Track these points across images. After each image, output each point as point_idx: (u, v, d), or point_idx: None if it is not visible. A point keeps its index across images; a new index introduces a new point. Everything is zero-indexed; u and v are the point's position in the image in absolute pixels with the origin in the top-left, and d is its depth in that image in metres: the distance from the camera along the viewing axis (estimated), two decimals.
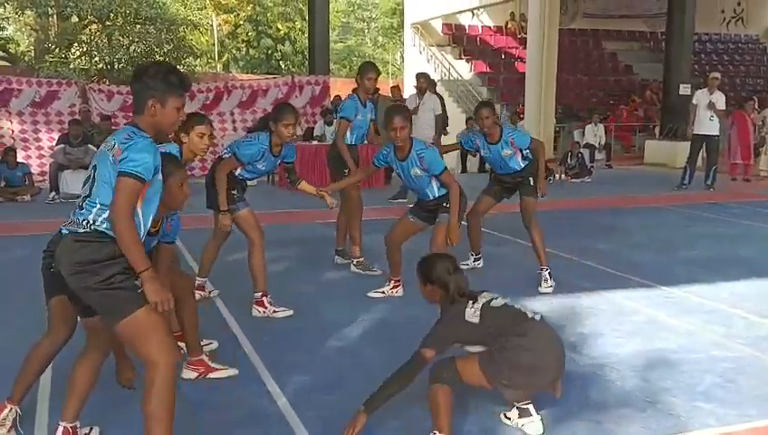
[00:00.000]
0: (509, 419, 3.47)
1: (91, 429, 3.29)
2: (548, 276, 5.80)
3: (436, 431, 3.13)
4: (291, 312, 5.17)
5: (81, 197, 2.87)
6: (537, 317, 3.25)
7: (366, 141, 7.03)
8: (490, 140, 5.96)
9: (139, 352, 2.81)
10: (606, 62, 25.25)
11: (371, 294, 5.66)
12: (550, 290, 5.73)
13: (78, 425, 3.18)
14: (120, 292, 2.74)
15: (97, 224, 2.77)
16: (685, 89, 16.57)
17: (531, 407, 3.39)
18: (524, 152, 6.01)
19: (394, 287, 5.68)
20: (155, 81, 2.88)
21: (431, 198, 5.30)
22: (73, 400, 3.13)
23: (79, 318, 3.19)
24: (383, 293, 5.68)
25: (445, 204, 5.23)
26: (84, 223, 2.78)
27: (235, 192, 5.18)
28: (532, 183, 6.05)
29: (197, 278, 5.48)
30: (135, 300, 2.75)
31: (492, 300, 3.24)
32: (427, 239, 5.29)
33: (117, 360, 3.55)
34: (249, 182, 5.50)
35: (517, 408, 3.42)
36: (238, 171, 5.26)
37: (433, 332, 3.22)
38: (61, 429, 3.12)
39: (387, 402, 3.19)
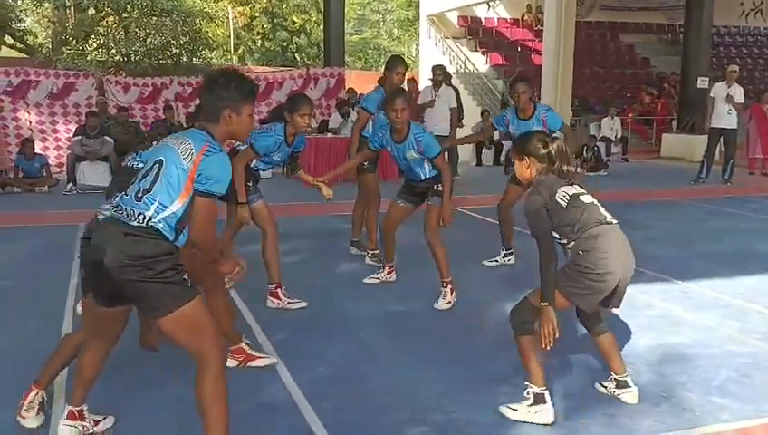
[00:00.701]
0: (605, 387, 3.68)
1: (105, 417, 3.32)
2: None
3: (528, 383, 3.36)
4: (305, 304, 5.18)
5: (138, 188, 2.78)
6: (614, 222, 3.36)
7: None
8: (522, 116, 5.92)
9: (189, 346, 2.82)
10: (623, 54, 25.05)
11: (367, 281, 5.81)
12: None
13: (85, 408, 3.21)
14: (173, 286, 2.74)
15: (154, 221, 2.72)
16: (703, 82, 16.43)
17: (629, 378, 3.60)
18: (554, 134, 5.87)
19: (388, 273, 5.82)
20: (228, 90, 2.87)
21: (422, 178, 5.32)
22: (80, 385, 3.16)
23: (81, 306, 3.19)
24: (378, 279, 5.81)
25: (436, 186, 5.26)
26: (140, 217, 2.72)
27: (249, 184, 5.20)
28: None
29: None
30: (185, 294, 2.76)
31: (582, 194, 3.37)
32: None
33: (141, 326, 3.57)
34: (263, 174, 5.53)
35: (615, 380, 3.61)
36: (253, 162, 5.28)
37: (531, 211, 3.32)
38: (67, 410, 3.16)
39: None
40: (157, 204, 2.73)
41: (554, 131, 5.83)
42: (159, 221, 2.73)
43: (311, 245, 7.34)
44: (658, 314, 5.12)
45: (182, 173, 2.73)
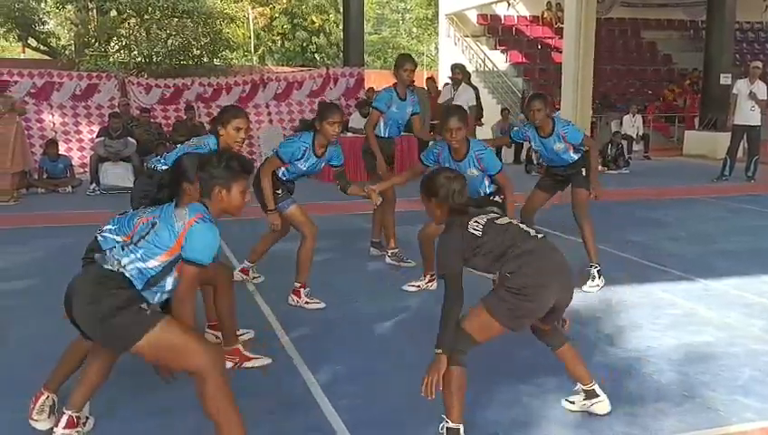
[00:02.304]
0: (572, 403, 3.50)
1: (87, 418, 3.34)
2: (596, 274, 5.64)
3: (444, 416, 3.11)
4: (323, 305, 5.20)
5: (127, 241, 2.99)
6: (540, 236, 3.21)
7: (402, 134, 7.05)
8: (541, 134, 5.72)
9: (181, 367, 2.87)
10: (644, 51, 24.85)
11: (406, 288, 5.66)
12: (596, 289, 5.56)
13: (82, 415, 3.24)
14: (128, 318, 2.80)
15: (126, 268, 2.89)
16: (725, 78, 16.25)
17: (596, 387, 3.43)
18: (577, 146, 5.79)
19: (429, 281, 5.66)
20: (218, 169, 3.02)
21: (480, 194, 5.20)
22: (82, 390, 3.20)
23: None
24: (418, 286, 5.67)
25: (495, 197, 5.18)
26: (115, 263, 2.91)
27: (279, 192, 5.23)
28: (584, 174, 5.80)
29: (245, 262, 5.79)
30: (142, 323, 2.81)
31: (497, 218, 3.23)
32: None
33: None
34: (296, 179, 5.50)
35: (583, 391, 3.44)
36: (281, 171, 5.30)
37: (442, 250, 3.16)
38: (65, 417, 3.18)
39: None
40: (137, 256, 2.90)
41: (578, 146, 5.70)
42: (132, 269, 2.89)
43: (330, 244, 7.35)
44: (681, 313, 5.08)
45: (172, 235, 2.90)
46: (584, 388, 3.45)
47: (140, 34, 23.02)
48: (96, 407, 3.40)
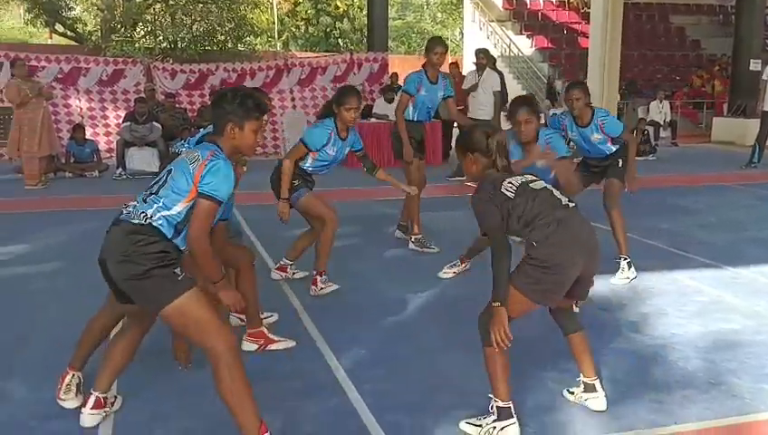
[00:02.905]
0: (572, 393, 3.46)
1: (115, 398, 3.38)
2: (626, 266, 5.44)
3: (492, 395, 3.11)
4: (337, 286, 5.15)
5: (147, 192, 3.00)
6: (570, 205, 3.13)
7: (431, 119, 6.98)
8: (580, 123, 5.51)
9: (194, 339, 2.91)
10: (672, 36, 24.49)
11: (442, 275, 5.56)
12: (626, 281, 5.38)
13: (109, 395, 3.28)
14: (163, 281, 2.84)
15: (153, 219, 2.89)
16: (755, 64, 15.99)
17: (597, 382, 3.37)
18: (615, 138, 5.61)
19: (463, 265, 5.59)
20: (232, 106, 3.01)
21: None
22: (108, 372, 3.24)
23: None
24: (455, 272, 5.58)
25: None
26: (141, 215, 2.91)
27: (296, 182, 5.15)
28: (621, 165, 5.60)
29: (284, 259, 5.57)
30: (176, 288, 2.84)
31: (532, 181, 3.16)
32: None
33: (174, 338, 3.67)
34: (323, 173, 5.39)
35: (583, 383, 3.39)
36: (309, 162, 5.21)
37: (477, 208, 3.13)
38: (93, 398, 3.22)
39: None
40: (160, 204, 2.91)
41: (616, 138, 5.53)
42: (159, 219, 2.89)
43: (355, 230, 7.37)
44: (708, 301, 5.03)
45: (189, 178, 2.90)
46: (585, 380, 3.39)
47: (165, 20, 23.14)
48: (119, 388, 3.45)
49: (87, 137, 12.45)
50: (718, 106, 19.53)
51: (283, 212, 5.11)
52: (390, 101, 13.42)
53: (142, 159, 11.59)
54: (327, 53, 23.46)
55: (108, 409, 3.27)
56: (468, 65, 17.89)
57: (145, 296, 2.89)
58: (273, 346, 4.13)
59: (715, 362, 3.93)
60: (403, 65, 21.07)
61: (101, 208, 8.66)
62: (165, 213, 2.89)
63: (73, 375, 3.44)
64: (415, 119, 6.53)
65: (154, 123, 11.86)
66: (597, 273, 3.24)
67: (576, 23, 23.96)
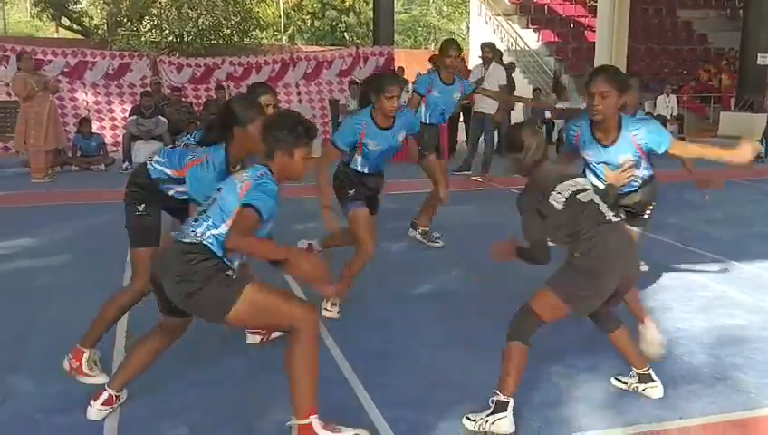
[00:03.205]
0: (625, 383, 3.50)
1: (121, 392, 3.36)
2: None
3: (497, 391, 3.12)
4: (337, 315, 4.63)
5: (198, 211, 3.05)
6: (615, 220, 3.21)
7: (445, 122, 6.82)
8: (601, 138, 3.81)
9: (273, 328, 2.95)
10: (679, 30, 24.38)
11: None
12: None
13: (121, 395, 3.30)
14: (219, 290, 2.85)
15: (204, 238, 2.92)
16: (763, 58, 15.92)
17: (651, 372, 3.43)
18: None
19: None
20: (282, 133, 3.04)
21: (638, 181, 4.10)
22: (126, 372, 3.27)
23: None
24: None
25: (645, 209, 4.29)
26: (192, 234, 2.94)
27: (351, 191, 4.69)
28: (647, 214, 4.24)
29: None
30: (232, 292, 2.85)
31: (580, 192, 3.18)
32: None
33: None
34: (380, 169, 4.88)
35: (637, 374, 3.43)
36: (359, 162, 4.77)
37: (522, 216, 3.25)
38: (105, 395, 3.24)
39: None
40: (209, 223, 2.94)
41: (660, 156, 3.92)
42: (209, 238, 2.92)
43: None
44: (714, 296, 5.02)
45: (234, 199, 2.93)
46: (639, 372, 3.44)
47: (172, 14, 23.14)
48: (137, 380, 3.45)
49: (93, 130, 12.47)
50: (725, 100, 19.45)
51: (329, 224, 4.49)
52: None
53: (149, 153, 11.55)
54: (333, 47, 23.43)
55: (115, 405, 3.29)
56: (474, 59, 17.85)
57: (205, 310, 2.91)
58: (275, 335, 4.16)
59: (720, 357, 3.92)
60: (409, 59, 21.07)
61: (108, 202, 8.69)
62: (214, 232, 2.92)
63: (90, 352, 3.55)
64: (428, 121, 6.39)
65: (160, 117, 11.89)
66: (635, 284, 3.34)
67: (583, 16, 23.88)
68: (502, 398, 3.11)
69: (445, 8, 42.90)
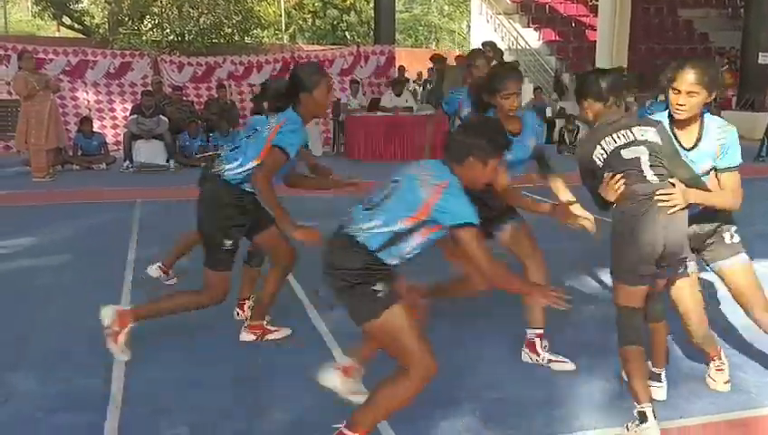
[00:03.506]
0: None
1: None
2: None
3: (635, 403, 3.03)
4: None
5: (370, 201, 2.89)
6: (657, 180, 2.99)
7: None
8: (683, 140, 3.24)
9: (392, 354, 2.85)
10: (680, 30, 24.35)
11: None
12: None
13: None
14: (364, 300, 2.79)
15: (366, 231, 2.79)
16: (764, 57, 15.91)
17: (663, 373, 3.43)
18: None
19: None
20: (480, 139, 2.83)
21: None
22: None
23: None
24: None
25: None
26: (355, 228, 2.82)
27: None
28: (730, 238, 3.59)
29: None
30: (375, 308, 2.78)
31: (627, 146, 3.02)
32: None
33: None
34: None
35: (650, 371, 3.37)
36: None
37: (578, 163, 3.21)
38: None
39: None
40: (380, 219, 2.78)
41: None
42: (372, 232, 2.78)
43: None
44: (714, 295, 5.01)
45: (417, 200, 2.76)
46: (653, 369, 3.40)
47: (173, 13, 23.11)
48: (125, 381, 3.46)
49: (94, 130, 12.48)
50: (725, 100, 19.45)
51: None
52: (399, 94, 13.41)
53: (149, 152, 11.61)
54: (334, 46, 23.42)
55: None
56: None
57: (349, 308, 2.88)
58: (270, 336, 4.19)
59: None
60: (410, 58, 21.07)
61: (109, 201, 8.71)
62: (383, 229, 2.77)
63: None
64: None
65: (161, 117, 11.89)
66: (681, 253, 3.07)
67: (584, 15, 23.85)
68: (639, 408, 3.03)
69: (446, 7, 42.88)
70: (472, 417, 3.29)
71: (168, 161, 11.60)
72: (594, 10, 20.95)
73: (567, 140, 13.68)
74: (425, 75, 16.72)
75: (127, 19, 23.32)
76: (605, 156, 3.03)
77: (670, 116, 3.22)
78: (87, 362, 3.81)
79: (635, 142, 3.04)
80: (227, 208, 3.84)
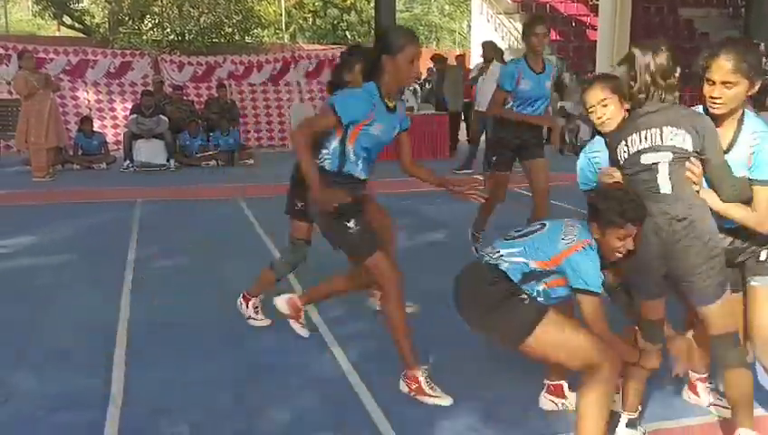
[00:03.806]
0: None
1: None
2: None
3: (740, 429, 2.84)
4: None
5: (513, 234, 2.90)
6: (667, 191, 2.67)
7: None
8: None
9: (570, 367, 2.80)
10: (681, 29, 24.34)
11: None
12: None
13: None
14: (506, 317, 2.74)
15: (506, 259, 2.79)
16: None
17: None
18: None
19: None
20: (621, 213, 2.63)
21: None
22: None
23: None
24: None
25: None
26: (496, 254, 2.83)
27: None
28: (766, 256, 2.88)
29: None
30: (524, 321, 2.71)
31: (649, 151, 2.69)
32: None
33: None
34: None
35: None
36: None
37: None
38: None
39: None
40: (517, 250, 2.80)
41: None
42: (511, 262, 2.78)
43: None
44: None
45: (554, 248, 2.75)
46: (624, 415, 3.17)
47: (173, 12, 23.09)
48: (126, 382, 3.45)
49: (95, 129, 12.49)
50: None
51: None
52: (399, 93, 13.40)
53: (150, 152, 11.62)
54: (334, 46, 23.40)
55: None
56: (476, 58, 17.82)
57: (501, 332, 2.80)
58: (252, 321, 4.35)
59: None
60: None
61: (109, 200, 8.70)
62: (519, 260, 2.77)
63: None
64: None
65: (161, 116, 11.89)
66: (689, 276, 2.72)
67: (584, 15, 23.84)
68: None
69: (446, 7, 42.86)
70: (472, 416, 3.29)
71: (168, 161, 11.61)
72: (595, 9, 20.94)
73: (567, 140, 13.66)
74: (424, 75, 16.72)
75: (127, 18, 23.32)
76: (626, 156, 2.74)
77: (705, 111, 2.78)
78: (87, 362, 3.81)
79: (660, 148, 2.68)
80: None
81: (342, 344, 4.08)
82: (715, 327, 2.78)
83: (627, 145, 2.73)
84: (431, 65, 14.71)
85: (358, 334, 4.26)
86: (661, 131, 2.67)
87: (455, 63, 13.85)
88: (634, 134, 2.72)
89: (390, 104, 3.46)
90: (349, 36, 32.58)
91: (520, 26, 23.12)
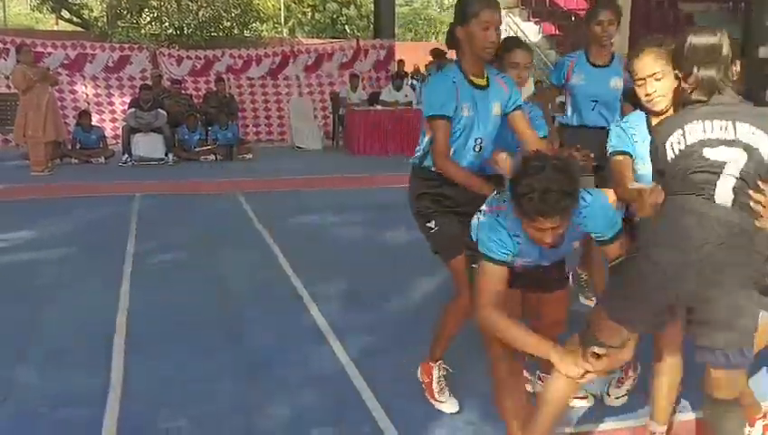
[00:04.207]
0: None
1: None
2: None
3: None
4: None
5: None
6: (719, 201, 2.14)
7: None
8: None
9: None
10: (681, 23, 24.28)
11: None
12: None
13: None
14: None
15: None
16: (765, 52, 15.89)
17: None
18: None
19: None
20: None
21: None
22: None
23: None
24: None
25: None
26: None
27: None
28: None
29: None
30: None
31: (716, 143, 2.18)
32: None
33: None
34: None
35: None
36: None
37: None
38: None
39: None
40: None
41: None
42: None
43: (356, 218, 7.36)
44: None
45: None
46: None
47: (171, 6, 23.04)
48: (125, 380, 3.44)
49: (93, 123, 12.45)
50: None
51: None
52: (399, 88, 13.40)
53: (148, 146, 11.59)
54: (333, 40, 23.36)
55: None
56: None
57: None
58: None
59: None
60: (410, 52, 20.96)
61: (108, 195, 8.68)
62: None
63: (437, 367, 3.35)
64: (574, 122, 4.45)
65: (159, 110, 11.86)
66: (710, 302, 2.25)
67: (584, 9, 23.69)
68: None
69: (446, 1, 42.78)
70: (472, 412, 3.28)
71: (166, 155, 11.58)
72: (594, 4, 20.88)
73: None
74: (422, 69, 16.70)
75: (125, 12, 23.28)
76: (682, 147, 2.20)
77: (647, 116, 2.79)
78: (87, 358, 3.80)
79: (734, 142, 2.18)
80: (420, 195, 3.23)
81: (342, 340, 4.06)
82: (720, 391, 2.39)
83: (684, 133, 2.23)
84: (430, 59, 14.67)
85: (358, 330, 4.25)
86: (736, 124, 2.21)
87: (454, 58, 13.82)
88: (697, 121, 2.23)
89: (478, 81, 3.05)
90: (348, 30, 32.52)
91: (520, 21, 23.18)
